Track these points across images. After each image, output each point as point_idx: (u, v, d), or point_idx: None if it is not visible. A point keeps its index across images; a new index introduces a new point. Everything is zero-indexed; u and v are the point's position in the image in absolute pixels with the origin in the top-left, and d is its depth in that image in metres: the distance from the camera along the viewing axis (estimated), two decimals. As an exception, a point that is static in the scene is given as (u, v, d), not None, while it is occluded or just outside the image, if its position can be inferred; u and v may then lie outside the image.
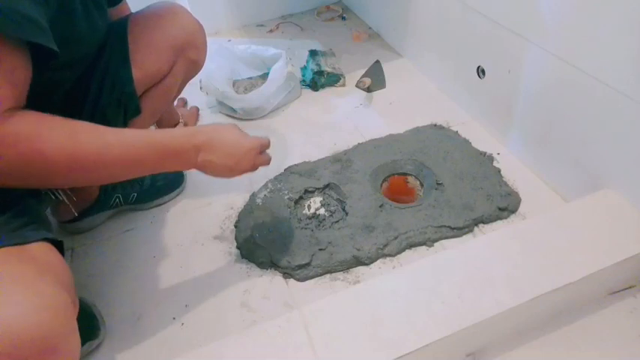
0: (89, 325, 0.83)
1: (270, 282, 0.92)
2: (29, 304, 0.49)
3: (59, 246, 0.62)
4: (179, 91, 1.05)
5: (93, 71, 0.85)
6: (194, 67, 1.01)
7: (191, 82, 1.07)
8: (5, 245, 0.55)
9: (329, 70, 1.44)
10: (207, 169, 0.70)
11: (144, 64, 0.89)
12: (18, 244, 0.56)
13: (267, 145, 0.76)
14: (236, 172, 0.72)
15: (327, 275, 0.92)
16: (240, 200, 1.09)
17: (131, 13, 0.95)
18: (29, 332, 0.48)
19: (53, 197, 0.71)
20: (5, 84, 0.54)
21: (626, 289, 0.83)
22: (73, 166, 0.57)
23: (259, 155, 0.75)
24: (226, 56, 1.46)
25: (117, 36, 0.88)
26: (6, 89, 0.54)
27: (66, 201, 0.72)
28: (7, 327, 0.47)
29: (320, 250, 0.93)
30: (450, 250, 0.83)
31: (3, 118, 0.53)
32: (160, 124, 1.26)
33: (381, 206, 1.00)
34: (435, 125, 1.24)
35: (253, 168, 0.74)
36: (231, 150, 0.70)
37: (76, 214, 0.98)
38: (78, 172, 0.59)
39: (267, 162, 0.77)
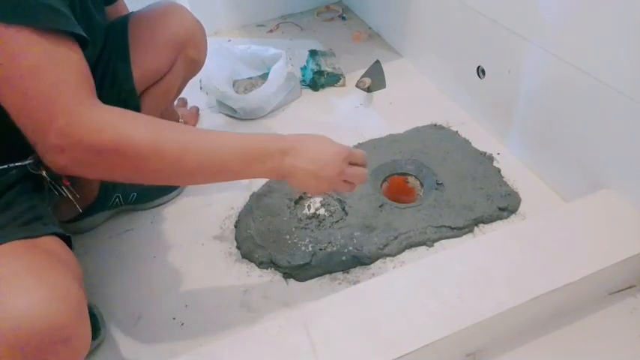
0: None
1: (270, 282, 0.92)
2: (43, 294, 0.50)
3: (67, 241, 0.63)
4: (179, 91, 1.05)
5: (94, 69, 0.85)
6: (194, 65, 1.01)
7: (191, 82, 1.07)
8: (17, 238, 0.56)
9: (329, 70, 1.44)
10: (292, 176, 0.65)
11: (143, 62, 0.89)
12: (29, 237, 0.57)
13: (359, 156, 0.70)
14: (322, 181, 0.66)
15: (327, 275, 0.92)
16: (240, 200, 1.09)
17: (131, 12, 0.95)
18: (43, 322, 0.49)
19: (57, 194, 0.72)
20: (82, 75, 0.55)
21: (626, 289, 0.83)
22: (156, 159, 0.56)
23: (349, 165, 0.68)
24: (226, 56, 1.46)
25: (117, 34, 0.88)
26: (84, 80, 0.55)
27: (70, 197, 0.72)
28: (22, 316, 0.48)
29: (320, 250, 0.93)
30: (450, 250, 0.83)
31: (91, 106, 0.54)
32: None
33: (381, 206, 1.00)
34: (435, 125, 1.24)
35: (340, 177, 0.68)
36: (315, 154, 0.65)
37: (81, 211, 0.99)
38: (160, 167, 0.58)
39: (360, 177, 0.70)
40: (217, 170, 0.61)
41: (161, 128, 0.58)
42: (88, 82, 0.56)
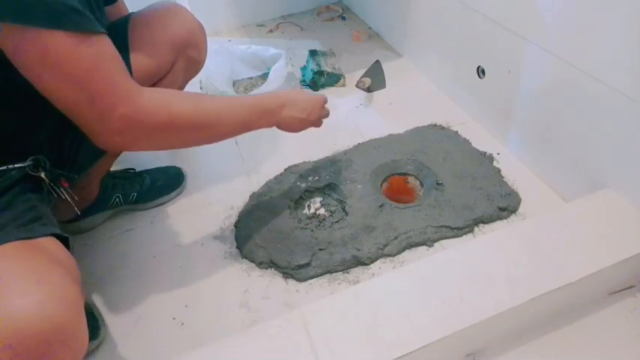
0: (89, 325, 0.83)
1: (270, 282, 0.92)
2: (41, 295, 0.50)
3: (65, 242, 0.63)
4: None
5: None
6: (194, 66, 1.01)
7: (191, 82, 1.07)
8: (15, 239, 0.56)
9: (329, 70, 1.44)
10: (287, 123, 0.84)
11: (144, 62, 0.89)
12: (28, 238, 0.58)
13: (326, 100, 0.93)
14: (307, 124, 0.88)
15: (327, 275, 0.92)
16: (240, 200, 1.09)
17: (131, 13, 0.95)
18: (41, 323, 0.49)
19: (55, 195, 0.72)
20: (124, 64, 0.62)
21: (626, 289, 0.83)
22: (199, 128, 0.70)
23: (323, 109, 0.91)
24: (226, 56, 1.47)
25: (117, 35, 0.88)
26: (125, 67, 0.62)
27: (68, 199, 0.73)
28: (20, 317, 0.48)
29: (320, 250, 0.93)
30: (450, 250, 0.83)
31: (141, 91, 0.63)
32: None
33: (381, 206, 1.00)
34: (435, 125, 1.24)
35: (319, 119, 0.91)
36: (304, 104, 0.85)
37: (79, 213, 0.99)
38: (202, 131, 0.71)
39: (328, 114, 0.94)
40: (239, 129, 0.77)
41: (199, 101, 0.70)
42: (126, 69, 0.63)
